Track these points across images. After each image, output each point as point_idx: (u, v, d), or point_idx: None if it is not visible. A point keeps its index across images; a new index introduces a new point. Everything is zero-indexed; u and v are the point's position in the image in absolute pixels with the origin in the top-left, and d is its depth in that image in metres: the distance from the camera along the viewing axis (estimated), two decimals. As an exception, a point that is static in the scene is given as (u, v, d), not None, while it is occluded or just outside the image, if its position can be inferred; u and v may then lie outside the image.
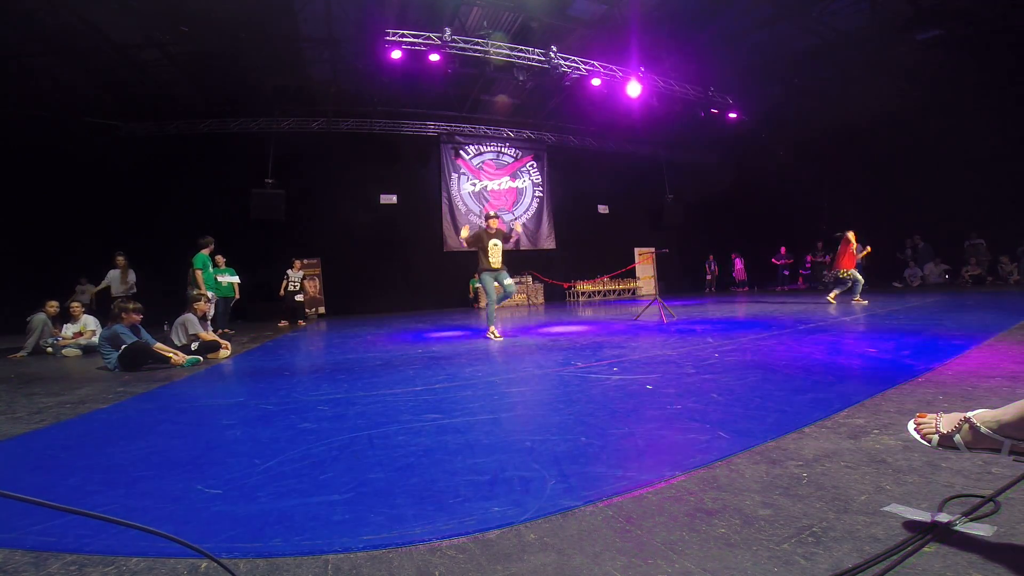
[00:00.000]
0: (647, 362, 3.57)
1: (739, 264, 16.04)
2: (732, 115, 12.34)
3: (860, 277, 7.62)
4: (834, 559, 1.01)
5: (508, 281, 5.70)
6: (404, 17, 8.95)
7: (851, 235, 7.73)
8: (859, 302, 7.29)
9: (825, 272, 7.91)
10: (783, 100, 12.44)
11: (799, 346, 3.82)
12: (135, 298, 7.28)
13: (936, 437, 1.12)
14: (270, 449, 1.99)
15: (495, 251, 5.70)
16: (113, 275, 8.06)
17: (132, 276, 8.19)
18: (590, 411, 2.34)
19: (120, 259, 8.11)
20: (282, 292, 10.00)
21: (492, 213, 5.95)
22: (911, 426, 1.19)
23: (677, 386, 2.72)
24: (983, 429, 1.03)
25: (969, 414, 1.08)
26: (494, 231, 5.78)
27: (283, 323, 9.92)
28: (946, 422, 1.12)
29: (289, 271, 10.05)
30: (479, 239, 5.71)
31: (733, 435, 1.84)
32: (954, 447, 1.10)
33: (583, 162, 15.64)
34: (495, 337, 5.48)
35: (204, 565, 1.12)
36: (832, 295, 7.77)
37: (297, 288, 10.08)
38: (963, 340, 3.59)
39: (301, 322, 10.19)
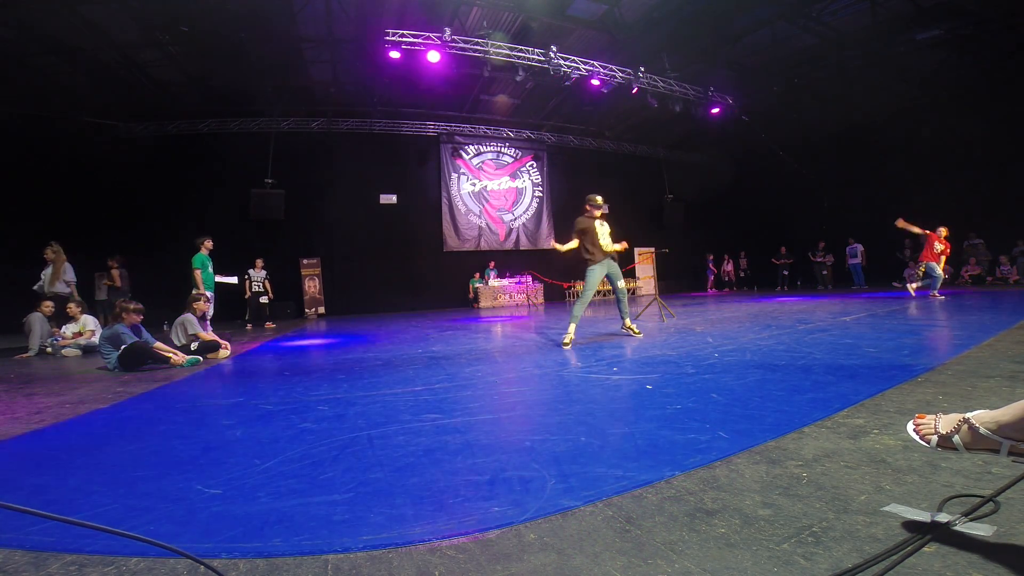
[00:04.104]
0: (647, 362, 3.57)
1: (729, 266, 16.14)
2: (731, 115, 12.32)
3: (940, 272, 7.91)
4: (834, 559, 1.01)
5: (621, 284, 4.89)
6: (404, 17, 8.94)
7: (943, 231, 8.05)
8: (935, 295, 7.71)
9: (910, 265, 8.52)
10: (783, 100, 12.43)
11: (799, 346, 3.82)
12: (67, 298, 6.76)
13: (935, 438, 1.12)
14: (270, 449, 1.99)
15: (605, 234, 4.80)
16: (46, 270, 6.90)
17: (69, 272, 6.95)
18: (590, 411, 2.34)
19: (49, 251, 6.80)
20: (247, 294, 9.59)
21: (598, 200, 4.87)
22: (910, 427, 1.19)
23: (677, 386, 2.72)
24: (982, 430, 1.03)
25: (968, 415, 1.08)
26: (600, 214, 4.86)
27: (250, 327, 9.44)
28: (945, 423, 1.12)
29: (251, 271, 9.57)
30: (585, 229, 4.78)
31: (733, 435, 1.84)
32: (953, 448, 1.10)
33: (583, 162, 15.64)
34: (569, 342, 4.54)
35: (215, 564, 1.12)
36: (912, 286, 8.19)
37: (261, 289, 9.65)
38: (963, 340, 3.59)
39: (269, 324, 9.78)
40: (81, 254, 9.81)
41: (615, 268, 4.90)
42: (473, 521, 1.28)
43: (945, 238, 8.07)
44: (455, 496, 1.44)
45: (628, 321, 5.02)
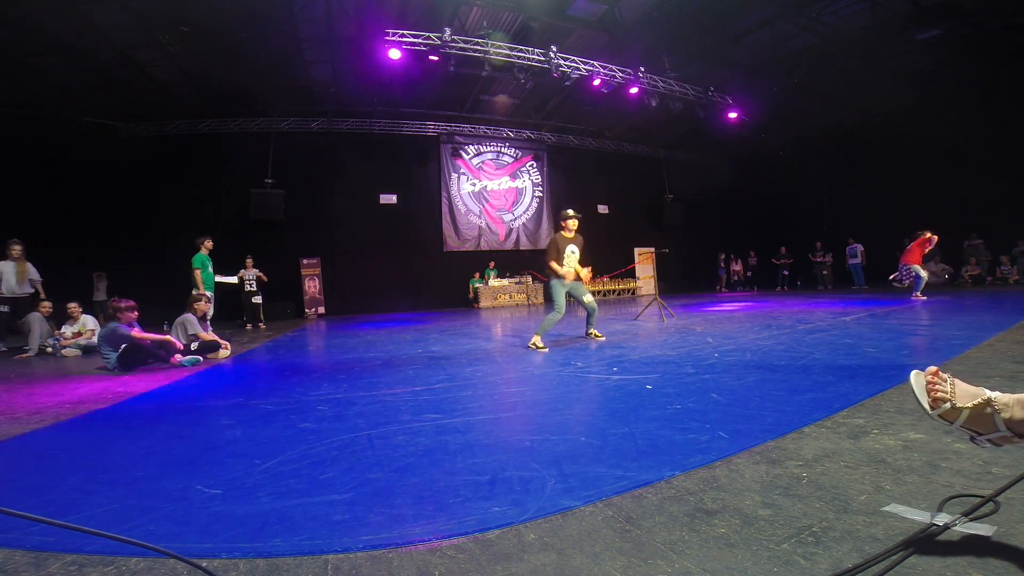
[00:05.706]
0: (647, 362, 3.57)
1: (738, 266, 16.17)
2: (732, 115, 12.32)
3: (923, 273, 8.06)
4: (834, 559, 1.01)
5: (588, 298, 4.97)
6: (404, 17, 8.94)
7: (928, 234, 8.19)
8: (918, 296, 7.82)
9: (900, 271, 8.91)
10: (783, 100, 12.42)
11: (799, 346, 3.82)
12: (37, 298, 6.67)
13: (947, 406, 1.02)
14: (270, 449, 1.99)
15: (571, 259, 4.86)
16: (6, 268, 6.51)
17: (33, 271, 6.69)
18: (590, 411, 2.34)
19: (15, 248, 6.54)
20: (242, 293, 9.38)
21: (571, 212, 4.87)
22: (920, 382, 1.08)
23: (677, 386, 2.72)
24: (997, 419, 0.98)
25: (992, 397, 0.99)
26: (572, 235, 4.88)
27: (249, 327, 9.24)
28: (964, 397, 1.02)
29: (243, 270, 9.30)
30: (556, 247, 4.83)
31: (733, 435, 1.84)
32: (950, 422, 1.04)
33: (583, 162, 15.64)
34: (538, 347, 4.50)
35: (204, 564, 1.12)
36: (917, 294, 8.01)
37: (254, 288, 9.36)
38: (963, 340, 3.59)
39: (262, 325, 9.52)
40: (80, 254, 9.82)
41: (578, 287, 4.99)
42: (473, 521, 1.28)
43: (929, 239, 8.18)
44: (455, 496, 1.44)
45: (592, 330, 5.17)
